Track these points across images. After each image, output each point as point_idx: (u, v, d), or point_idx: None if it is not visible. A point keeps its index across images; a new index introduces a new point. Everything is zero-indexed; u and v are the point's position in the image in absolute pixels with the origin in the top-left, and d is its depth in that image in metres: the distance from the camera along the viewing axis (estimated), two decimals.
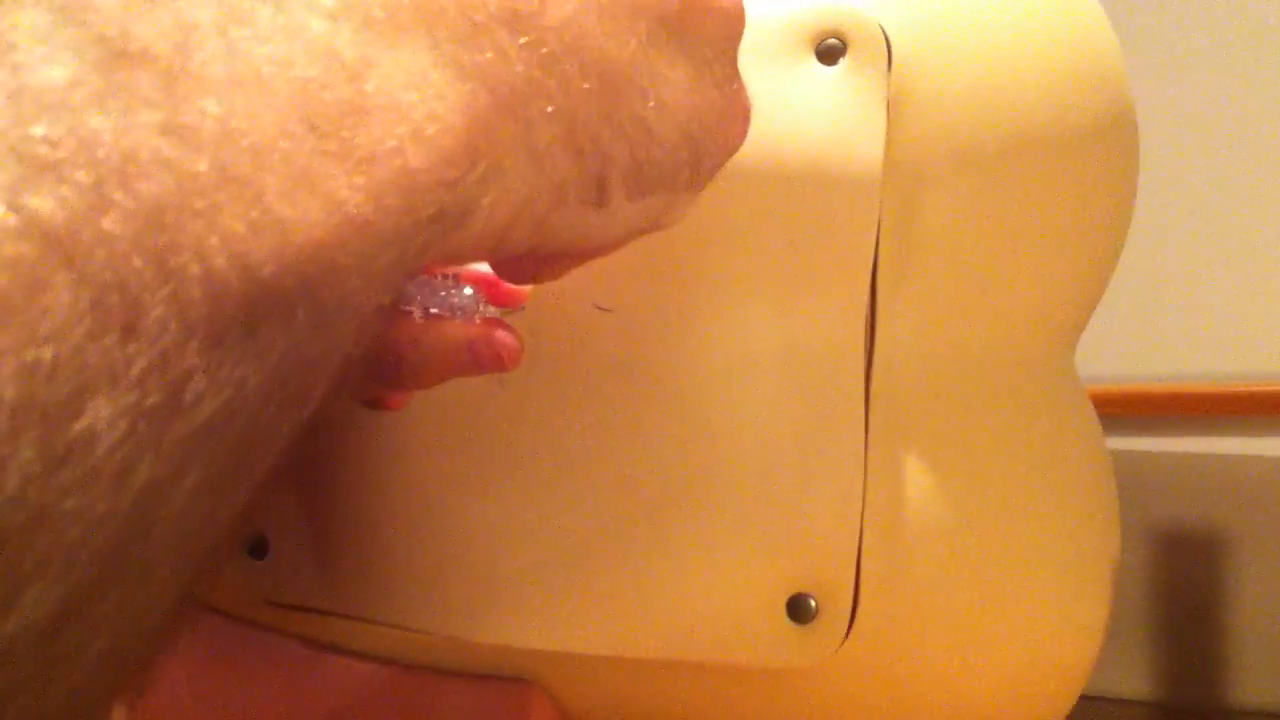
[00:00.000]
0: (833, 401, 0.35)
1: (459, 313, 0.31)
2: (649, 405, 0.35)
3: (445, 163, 0.19)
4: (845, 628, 0.35)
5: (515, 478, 0.35)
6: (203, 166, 0.16)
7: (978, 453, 0.37)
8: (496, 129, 0.21)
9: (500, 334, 0.31)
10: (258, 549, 0.39)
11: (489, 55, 0.21)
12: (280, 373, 0.17)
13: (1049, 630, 0.38)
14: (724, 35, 0.27)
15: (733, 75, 0.28)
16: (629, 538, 0.35)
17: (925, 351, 0.36)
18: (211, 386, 0.16)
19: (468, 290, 0.32)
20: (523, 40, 0.22)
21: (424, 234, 0.19)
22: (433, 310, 0.31)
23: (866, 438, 0.35)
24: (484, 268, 0.33)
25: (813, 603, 0.34)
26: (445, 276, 0.31)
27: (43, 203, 0.14)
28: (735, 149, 0.29)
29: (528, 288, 0.34)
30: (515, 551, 0.35)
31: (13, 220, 0.14)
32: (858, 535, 0.35)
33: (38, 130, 0.14)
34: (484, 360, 0.30)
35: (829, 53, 0.35)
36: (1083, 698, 0.42)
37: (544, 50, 0.22)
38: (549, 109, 0.22)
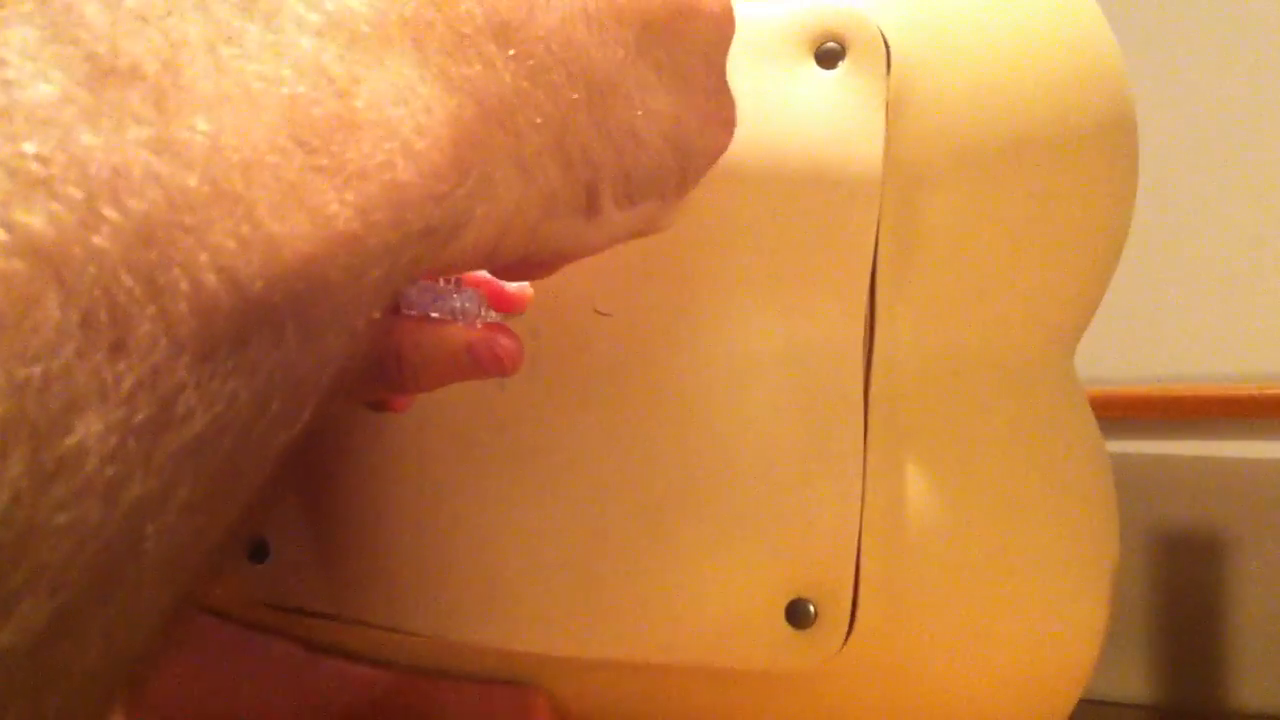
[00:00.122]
0: (832, 404, 0.35)
1: (460, 317, 0.31)
2: (648, 409, 0.35)
3: (434, 176, 0.19)
4: (844, 632, 0.35)
5: (515, 482, 0.35)
6: (193, 182, 0.16)
7: (976, 455, 0.37)
8: (485, 141, 0.21)
9: (501, 338, 0.31)
10: (258, 552, 0.39)
11: (477, 68, 0.21)
12: (271, 387, 0.17)
13: (1048, 634, 0.38)
14: (712, 40, 0.27)
15: (720, 81, 0.28)
16: (629, 542, 0.35)
17: (924, 353, 0.36)
18: (202, 402, 0.16)
19: (469, 295, 0.32)
20: (510, 51, 0.22)
21: (414, 248, 0.19)
22: (434, 315, 0.31)
23: (866, 440, 0.35)
24: (484, 272, 0.33)
25: (812, 607, 0.34)
26: (446, 281, 0.32)
27: (34, 219, 0.14)
28: (720, 154, 0.29)
29: (529, 293, 0.34)
30: (516, 555, 0.35)
31: (4, 237, 0.14)
32: (856, 539, 0.35)
33: (29, 147, 0.15)
34: (484, 363, 0.31)
35: (828, 56, 0.35)
36: (1082, 701, 0.42)
37: (532, 61, 0.22)
38: (538, 119, 0.22)
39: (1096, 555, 0.40)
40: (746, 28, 0.34)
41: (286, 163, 0.17)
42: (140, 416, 0.15)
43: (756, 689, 0.36)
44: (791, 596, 0.35)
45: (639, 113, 0.25)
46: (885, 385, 0.36)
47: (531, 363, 0.34)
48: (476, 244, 0.22)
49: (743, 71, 0.34)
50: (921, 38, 0.35)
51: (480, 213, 0.21)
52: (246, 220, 0.16)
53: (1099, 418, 0.43)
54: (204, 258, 0.16)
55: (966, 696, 0.37)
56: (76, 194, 0.15)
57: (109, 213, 0.15)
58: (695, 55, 0.27)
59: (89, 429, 0.14)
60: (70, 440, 0.14)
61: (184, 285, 0.15)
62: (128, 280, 0.15)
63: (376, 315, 0.19)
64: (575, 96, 0.23)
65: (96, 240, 0.15)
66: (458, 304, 0.31)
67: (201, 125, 0.16)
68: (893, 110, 0.35)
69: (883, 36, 0.35)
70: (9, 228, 0.14)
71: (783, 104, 0.34)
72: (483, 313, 0.32)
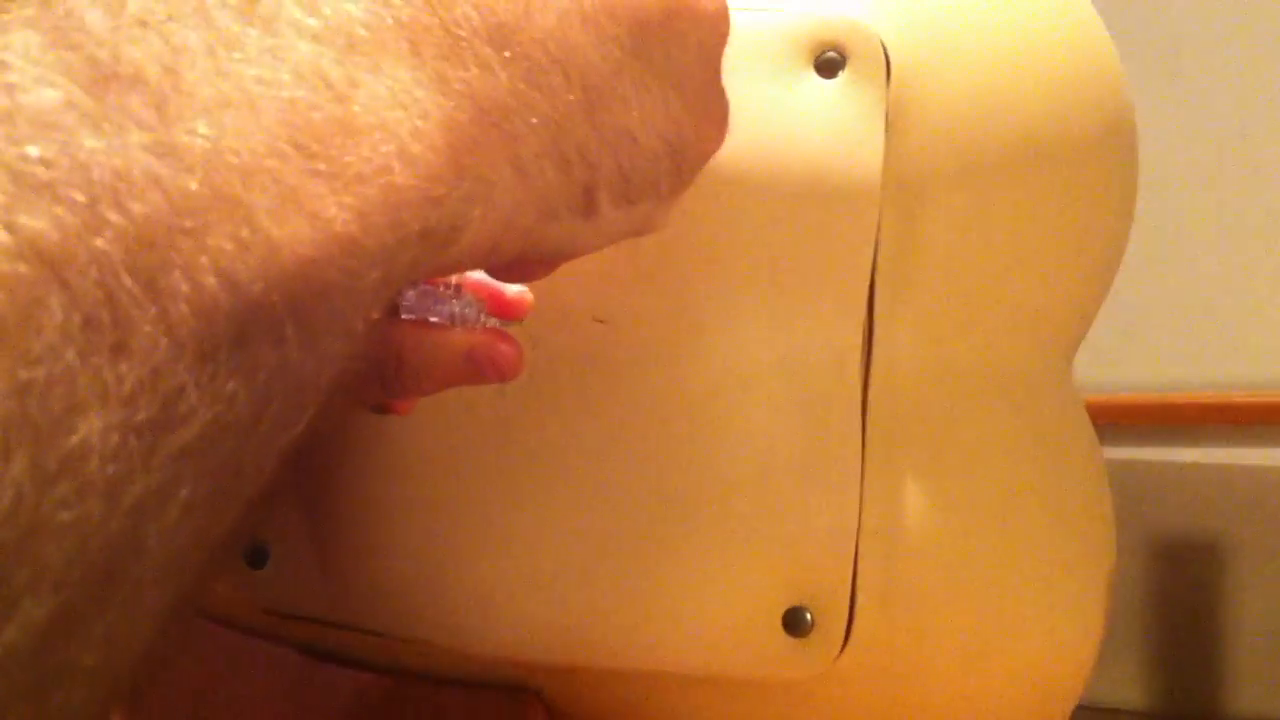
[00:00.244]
0: (830, 414, 0.35)
1: (459, 323, 0.31)
2: (647, 418, 0.35)
3: (431, 179, 0.19)
4: (841, 641, 0.35)
5: (513, 489, 0.36)
6: (193, 186, 0.16)
7: (974, 463, 0.37)
8: (482, 143, 0.21)
9: (500, 344, 0.31)
10: (257, 558, 0.39)
11: (473, 70, 0.21)
12: (271, 388, 0.17)
13: (1045, 640, 0.38)
14: (707, 40, 0.27)
15: (714, 80, 0.28)
16: (626, 550, 0.35)
17: (922, 361, 0.36)
18: (202, 402, 0.16)
19: (468, 301, 0.32)
20: (507, 54, 0.22)
21: (412, 250, 0.19)
22: (433, 320, 0.31)
23: (863, 450, 0.35)
24: (484, 277, 0.33)
25: (808, 616, 0.34)
26: (447, 286, 0.32)
27: (37, 222, 0.14)
28: (713, 154, 0.29)
29: (529, 301, 0.34)
30: (513, 563, 0.35)
31: (8, 240, 0.14)
32: (854, 548, 0.35)
33: (33, 150, 0.15)
34: (483, 369, 0.31)
35: (828, 65, 0.35)
36: (1079, 707, 0.42)
37: (528, 63, 0.22)
38: (534, 121, 0.23)
39: (1093, 562, 0.40)
40: (746, 37, 0.34)
41: (285, 166, 0.17)
42: (141, 416, 0.15)
43: (753, 697, 0.36)
44: (789, 605, 0.35)
45: (635, 113, 0.25)
46: (883, 393, 0.36)
47: (531, 370, 0.34)
48: (475, 245, 0.22)
49: (742, 80, 0.34)
50: (921, 47, 0.35)
51: (478, 214, 0.21)
52: (246, 223, 0.16)
53: (1096, 424, 0.43)
54: (204, 260, 0.16)
55: (963, 704, 0.37)
56: (79, 197, 0.15)
57: (111, 216, 0.15)
58: (690, 55, 0.27)
59: (91, 429, 0.14)
60: (73, 440, 0.14)
61: (184, 287, 0.16)
62: (129, 282, 0.15)
63: (375, 316, 0.19)
64: (572, 98, 0.23)
65: (98, 243, 0.15)
66: (457, 309, 0.31)
67: (202, 129, 0.16)
68: (892, 120, 0.35)
69: (883, 46, 0.35)
70: (13, 231, 0.14)
71: (782, 113, 0.34)
72: (482, 319, 0.32)
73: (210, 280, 0.16)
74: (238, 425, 0.17)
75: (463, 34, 0.21)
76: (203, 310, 0.16)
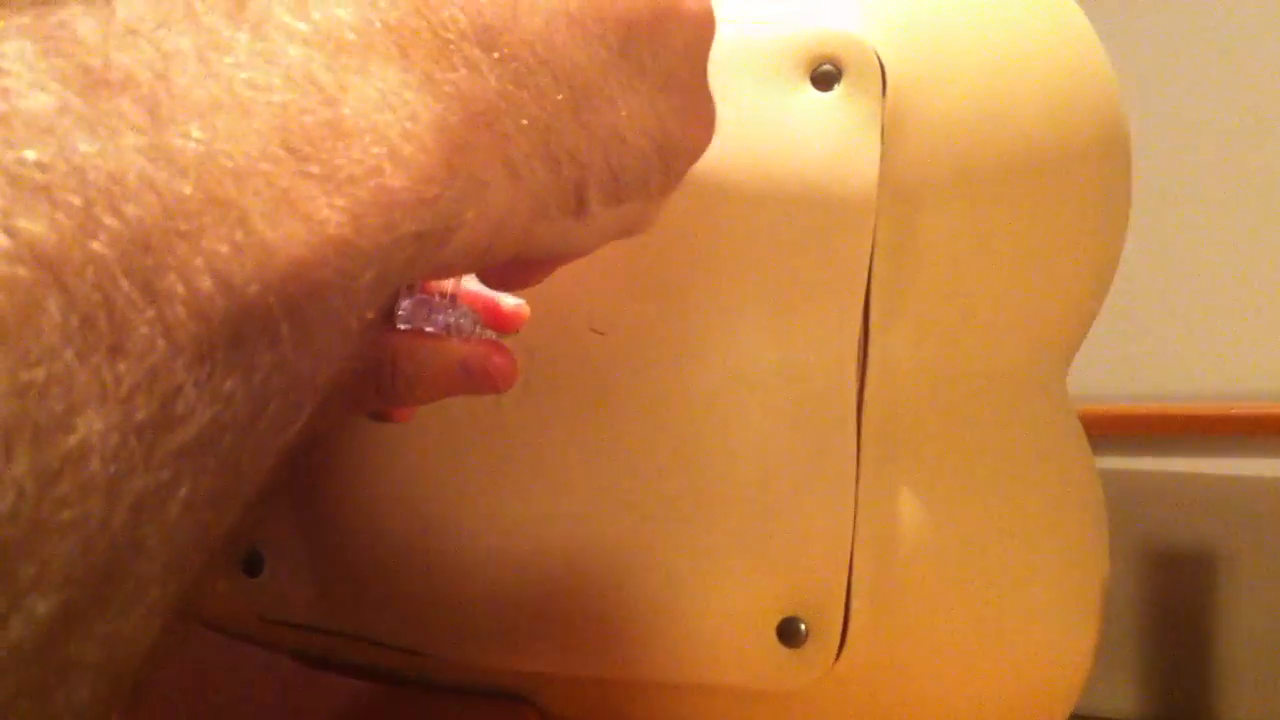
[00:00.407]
0: (825, 422, 0.35)
1: (455, 333, 0.32)
2: (642, 427, 0.35)
3: (423, 180, 0.20)
4: (835, 651, 0.35)
5: (510, 499, 0.36)
6: (187, 189, 0.16)
7: (968, 473, 0.37)
8: (473, 144, 0.21)
9: (495, 355, 0.31)
10: (253, 566, 0.39)
11: (462, 72, 0.21)
12: (268, 388, 0.17)
13: (1039, 651, 0.38)
14: (693, 41, 0.27)
15: (701, 81, 0.28)
16: (620, 560, 0.35)
17: (918, 371, 0.36)
18: (200, 401, 0.16)
19: (464, 311, 0.32)
20: (495, 55, 0.22)
21: (406, 250, 0.19)
22: (429, 329, 0.31)
23: (858, 459, 0.35)
24: (480, 288, 0.33)
25: (803, 626, 0.35)
26: (442, 296, 0.32)
27: (35, 226, 0.14)
28: (701, 153, 0.29)
29: (525, 312, 0.34)
30: (508, 572, 0.36)
31: (7, 243, 0.14)
32: (848, 559, 0.35)
33: (29, 154, 0.15)
34: (477, 379, 0.31)
35: (824, 78, 0.35)
36: (1073, 717, 0.42)
37: (516, 64, 0.22)
38: (524, 122, 0.23)
39: (1087, 573, 0.40)
40: (743, 50, 0.35)
41: (278, 169, 0.17)
42: (140, 416, 0.15)
43: (747, 706, 0.36)
44: (783, 615, 0.35)
45: (623, 113, 0.25)
46: (878, 404, 0.36)
47: (527, 380, 0.34)
48: (468, 246, 0.22)
49: (739, 93, 0.34)
50: (917, 60, 0.36)
51: (471, 215, 0.21)
52: (240, 226, 0.17)
53: (1091, 434, 0.43)
54: (199, 262, 0.16)
55: (956, 714, 0.37)
56: (76, 201, 0.15)
57: (107, 219, 0.15)
58: (677, 55, 0.27)
59: (91, 428, 0.15)
60: (73, 439, 0.14)
61: (180, 289, 0.16)
62: (125, 285, 0.15)
63: (371, 316, 0.20)
64: (560, 98, 0.24)
65: (95, 246, 0.15)
66: (452, 320, 0.32)
67: (195, 133, 0.17)
68: (888, 132, 0.35)
69: (878, 59, 0.35)
70: (12, 234, 0.14)
71: (779, 125, 0.35)
72: (477, 330, 0.32)
73: (206, 282, 0.16)
74: (236, 424, 0.17)
75: (451, 36, 0.21)
76: (199, 311, 0.16)
